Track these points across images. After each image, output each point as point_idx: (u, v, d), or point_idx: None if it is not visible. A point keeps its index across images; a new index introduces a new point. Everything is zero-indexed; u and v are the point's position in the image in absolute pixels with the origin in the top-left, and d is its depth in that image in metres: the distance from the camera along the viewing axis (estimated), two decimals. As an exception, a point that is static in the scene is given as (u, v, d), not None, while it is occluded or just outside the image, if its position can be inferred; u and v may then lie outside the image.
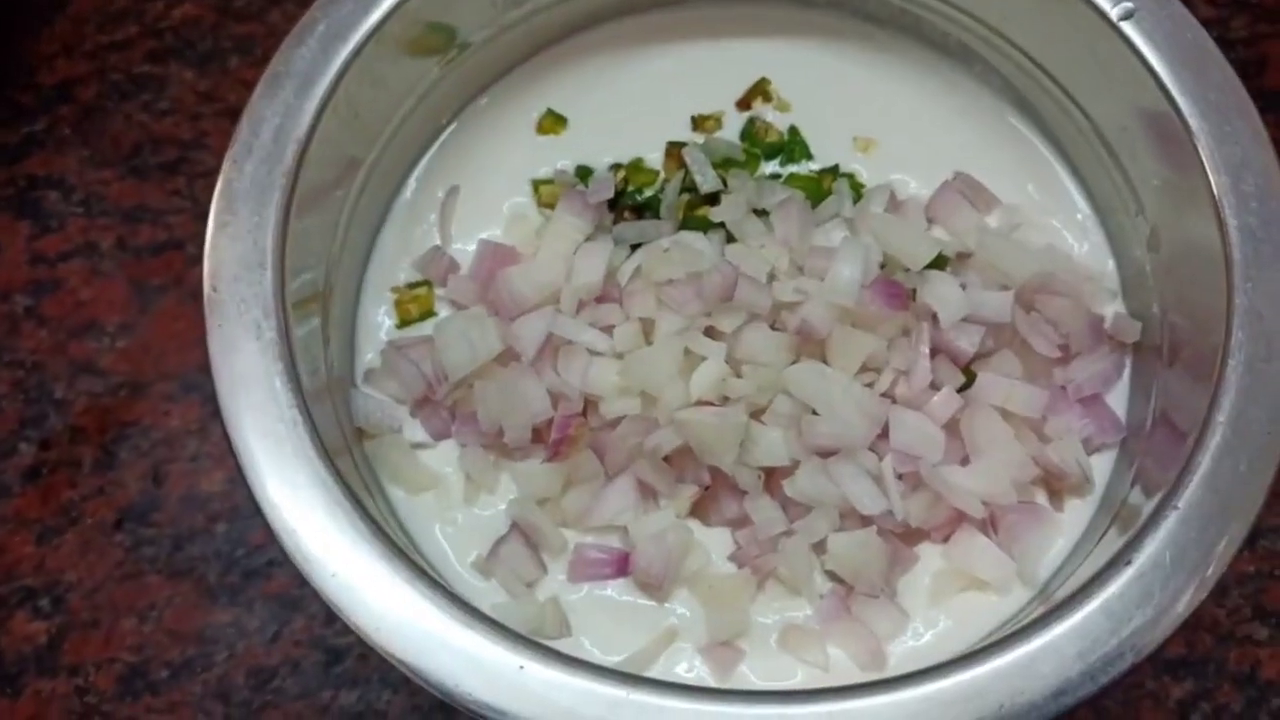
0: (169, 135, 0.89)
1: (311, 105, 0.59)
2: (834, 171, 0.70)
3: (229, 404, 0.52)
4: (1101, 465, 0.63)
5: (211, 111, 0.89)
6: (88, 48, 0.91)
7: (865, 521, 0.61)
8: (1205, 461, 0.52)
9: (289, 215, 0.56)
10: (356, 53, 0.60)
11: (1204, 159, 0.58)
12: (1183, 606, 0.50)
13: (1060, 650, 0.48)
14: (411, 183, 0.70)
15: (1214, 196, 0.57)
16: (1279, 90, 0.88)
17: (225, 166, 0.57)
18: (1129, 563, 0.50)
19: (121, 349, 0.82)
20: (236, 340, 0.54)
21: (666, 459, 0.62)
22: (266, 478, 0.51)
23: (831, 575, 0.61)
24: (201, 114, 0.89)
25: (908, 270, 0.64)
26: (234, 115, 0.64)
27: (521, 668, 0.48)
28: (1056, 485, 0.63)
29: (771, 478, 0.62)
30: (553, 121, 0.72)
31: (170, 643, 0.75)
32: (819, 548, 0.61)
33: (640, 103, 0.72)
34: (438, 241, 0.69)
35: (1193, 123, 0.58)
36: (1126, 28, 0.60)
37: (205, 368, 0.55)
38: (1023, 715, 0.47)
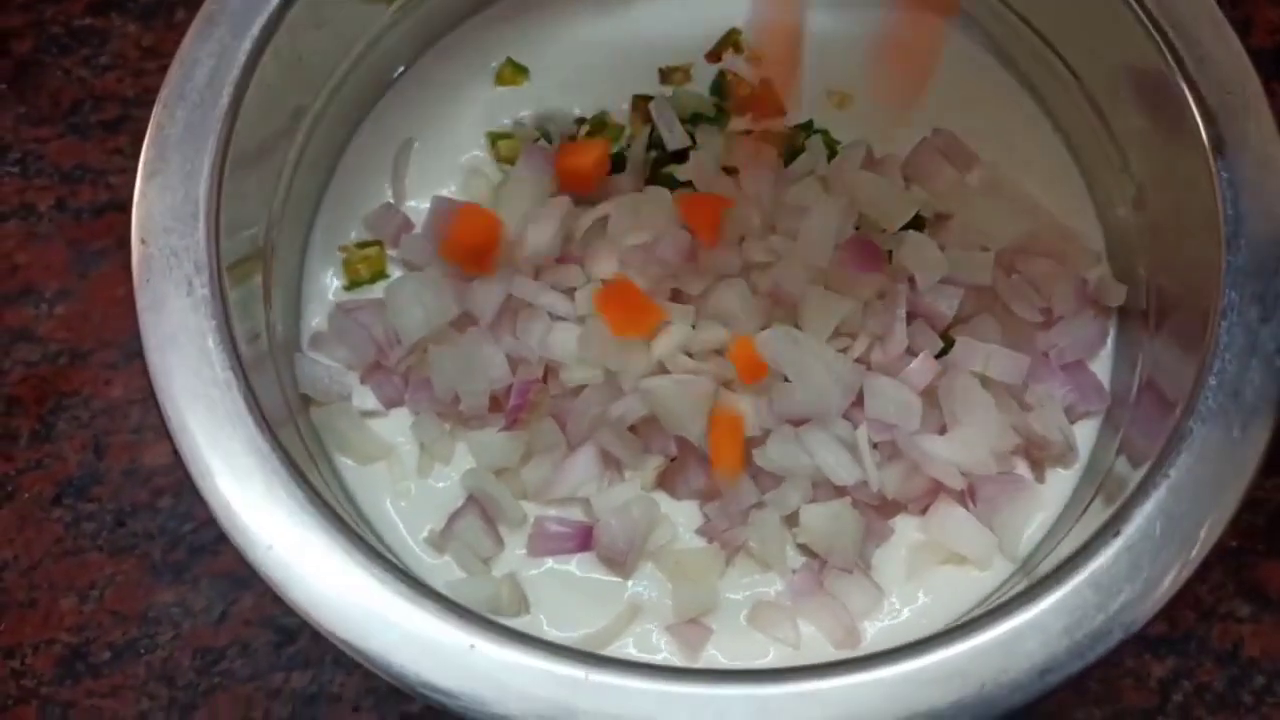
0: (111, 91, 0.84)
1: (248, 46, 0.55)
2: (808, 127, 0.67)
3: (157, 365, 0.49)
4: (1085, 434, 0.61)
5: (156, 67, 0.84)
6: (23, -1, 0.86)
7: (839, 493, 0.58)
8: (1197, 427, 0.49)
9: (225, 164, 0.53)
10: (297, -7, 0.56)
11: (1196, 115, 0.55)
12: (1172, 580, 0.47)
13: (1046, 626, 0.46)
14: (361, 134, 0.66)
15: (1206, 152, 0.54)
16: (1263, 51, 0.85)
17: (156, 111, 0.53)
18: (1117, 534, 0.47)
19: (60, 315, 0.78)
20: (166, 296, 0.50)
21: (632, 428, 0.59)
22: (198, 444, 0.48)
23: (804, 549, 0.58)
24: (145, 69, 0.85)
25: (884, 231, 0.61)
26: (179, 70, 0.61)
27: (472, 647, 0.45)
28: (1038, 454, 0.60)
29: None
30: (513, 72, 0.68)
31: (112, 623, 0.71)
32: (791, 520, 0.58)
33: (606, 53, 0.69)
34: (389, 198, 0.65)
35: (1186, 78, 0.55)
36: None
37: (147, 333, 0.51)
38: (1006, 695, 0.45)
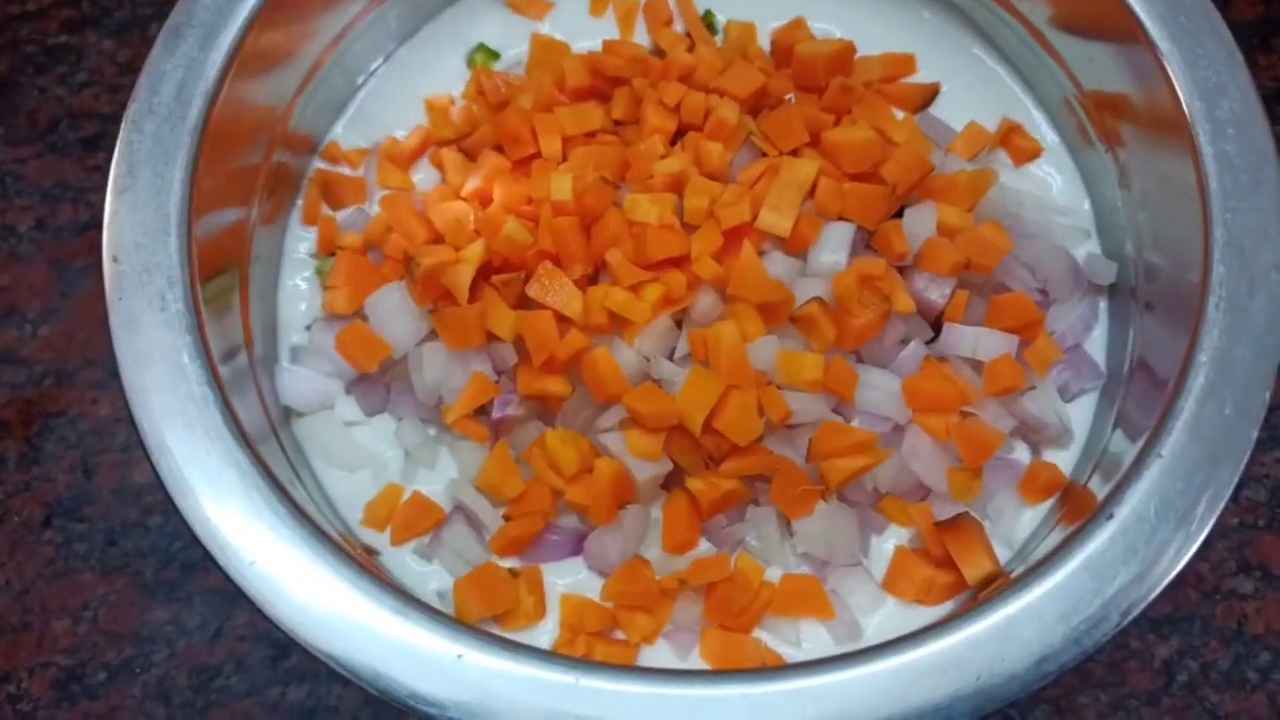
0: (88, 109, 0.84)
1: (217, 58, 0.54)
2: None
3: (132, 383, 0.48)
4: (1081, 411, 0.60)
5: (132, 83, 0.82)
6: (-3, 18, 0.86)
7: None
8: (1188, 405, 0.48)
9: (195, 176, 0.52)
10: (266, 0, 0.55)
11: (1176, 85, 0.54)
12: (1170, 561, 0.46)
13: (1040, 613, 0.45)
14: (335, 134, 0.66)
15: (1188, 124, 0.53)
16: (1246, 24, 0.84)
17: (124, 127, 0.53)
18: (1110, 516, 0.47)
19: (44, 336, 0.78)
20: (139, 313, 0.49)
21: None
22: (177, 461, 0.47)
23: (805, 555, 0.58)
24: (122, 85, 0.84)
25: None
26: (156, 85, 0.60)
27: (460, 656, 0.44)
28: (1035, 437, 0.59)
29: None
30: (485, 57, 0.68)
31: (107, 643, 0.71)
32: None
33: (583, 36, 0.68)
34: (362, 202, 0.65)
35: (1162, 46, 0.54)
36: (1090, -50, 0.56)
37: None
38: (1002, 686, 0.44)
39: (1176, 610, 0.70)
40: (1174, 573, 0.46)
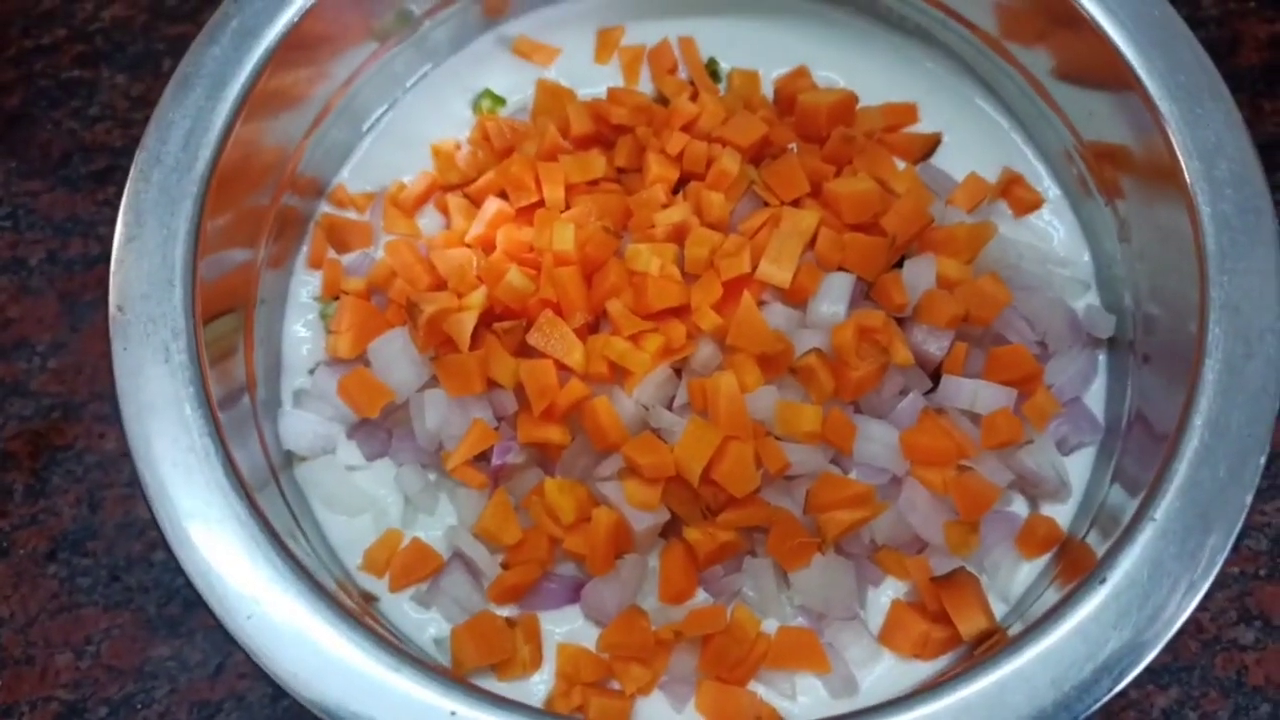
0: (100, 143, 0.85)
1: (225, 108, 0.55)
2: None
3: (135, 434, 0.49)
4: (1079, 466, 0.60)
5: (144, 117, 0.85)
6: (12, 52, 0.87)
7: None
8: (1182, 469, 0.48)
9: (202, 226, 0.52)
10: (274, 49, 0.56)
11: (1174, 144, 0.54)
12: (1163, 625, 0.46)
13: (1031, 678, 0.45)
14: (342, 178, 0.66)
15: (1186, 183, 0.53)
16: (1252, 69, 0.84)
17: (131, 176, 0.53)
18: (1103, 580, 0.47)
19: (53, 369, 0.78)
20: (143, 364, 0.50)
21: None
22: (176, 513, 0.48)
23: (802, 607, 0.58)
24: (134, 120, 0.85)
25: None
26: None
27: (453, 714, 0.44)
28: (1032, 491, 0.59)
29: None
30: (491, 102, 0.68)
31: (109, 679, 0.71)
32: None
33: (588, 82, 0.69)
34: (368, 246, 0.65)
35: (1161, 106, 0.55)
36: (1089, 5, 0.57)
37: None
38: (993, 751, 0.44)
39: (1175, 660, 0.70)
40: (1167, 637, 0.46)
